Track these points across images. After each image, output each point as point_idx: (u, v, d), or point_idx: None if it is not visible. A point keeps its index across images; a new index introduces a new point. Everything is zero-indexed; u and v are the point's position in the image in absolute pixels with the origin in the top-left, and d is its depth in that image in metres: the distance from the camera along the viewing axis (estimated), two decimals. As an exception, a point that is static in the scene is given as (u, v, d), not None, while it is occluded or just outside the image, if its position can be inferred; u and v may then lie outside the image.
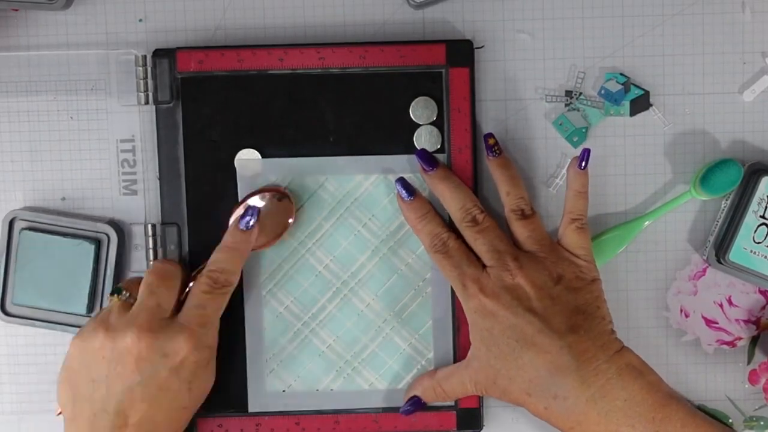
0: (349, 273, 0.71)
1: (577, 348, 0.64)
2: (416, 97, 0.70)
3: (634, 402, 0.63)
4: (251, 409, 0.71)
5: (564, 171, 0.72)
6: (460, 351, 0.71)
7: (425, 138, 0.70)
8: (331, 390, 0.72)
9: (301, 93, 0.70)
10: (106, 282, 0.70)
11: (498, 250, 0.66)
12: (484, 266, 0.67)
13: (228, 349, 0.71)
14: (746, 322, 0.73)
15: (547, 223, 0.72)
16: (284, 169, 0.71)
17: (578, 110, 0.71)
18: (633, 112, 0.71)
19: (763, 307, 0.73)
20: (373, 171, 0.70)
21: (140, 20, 0.71)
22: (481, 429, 0.71)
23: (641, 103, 0.71)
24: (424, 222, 0.68)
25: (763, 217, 0.69)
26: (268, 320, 0.71)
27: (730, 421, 0.73)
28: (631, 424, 0.63)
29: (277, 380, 0.72)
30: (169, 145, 0.71)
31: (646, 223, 0.71)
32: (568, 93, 0.71)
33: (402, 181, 0.68)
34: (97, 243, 0.70)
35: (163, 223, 0.71)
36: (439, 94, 0.70)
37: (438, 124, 0.70)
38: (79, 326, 0.70)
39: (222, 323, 0.69)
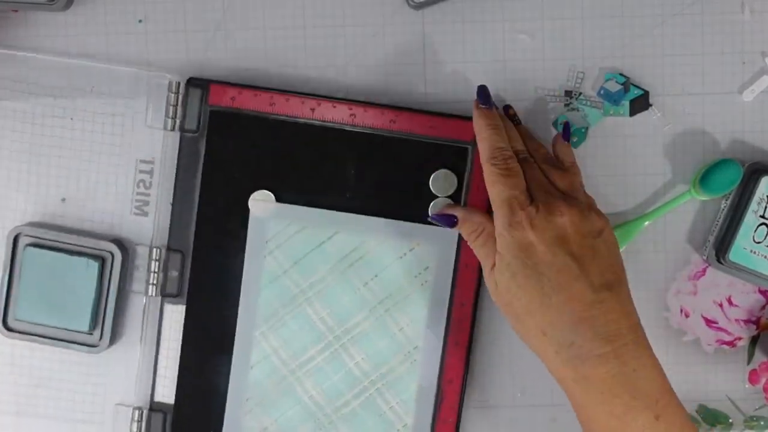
0: (343, 328, 0.71)
1: (606, 306, 0.62)
2: (438, 169, 0.70)
3: (643, 375, 0.62)
4: None
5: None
6: (439, 424, 0.71)
7: (439, 209, 0.70)
8: None
9: (326, 145, 0.70)
10: (109, 299, 0.70)
11: (550, 189, 0.65)
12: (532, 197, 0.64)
13: (211, 380, 0.71)
14: (746, 322, 0.73)
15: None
16: (296, 216, 0.70)
17: (578, 110, 0.71)
18: (633, 112, 0.71)
19: (763, 307, 0.73)
20: (384, 233, 0.70)
21: (140, 21, 0.71)
22: None
23: (641, 103, 0.71)
24: (492, 132, 0.66)
25: (763, 216, 0.69)
26: (256, 360, 0.71)
27: (731, 421, 0.73)
28: (633, 395, 0.61)
29: (255, 421, 0.72)
30: (188, 173, 0.71)
31: (646, 223, 0.71)
32: (568, 93, 0.71)
33: (483, 88, 0.67)
34: (102, 261, 0.70)
35: (168, 249, 0.71)
36: (462, 168, 0.70)
37: (455, 197, 0.70)
38: (81, 343, 0.71)
39: (210, 356, 0.71)
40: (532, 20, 0.71)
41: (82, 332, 0.71)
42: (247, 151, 0.70)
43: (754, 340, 0.73)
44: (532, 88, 0.71)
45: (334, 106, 0.69)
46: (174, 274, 0.71)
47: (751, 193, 0.69)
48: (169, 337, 0.72)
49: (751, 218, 0.69)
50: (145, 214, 0.72)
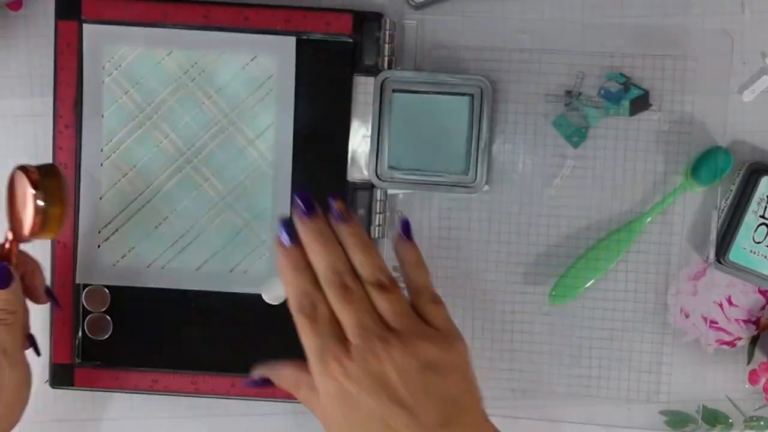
0: (192, 149, 0.71)
1: None
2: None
3: None
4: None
5: (563, 171, 0.72)
6: None
7: None
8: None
9: None
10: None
11: (366, 326, 0.57)
12: (346, 340, 0.58)
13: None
14: (746, 322, 0.73)
15: (548, 221, 0.72)
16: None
17: (578, 110, 0.71)
18: (633, 112, 0.71)
19: (763, 307, 0.73)
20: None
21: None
22: None
23: (641, 103, 0.71)
24: (297, 275, 0.58)
25: (762, 217, 0.69)
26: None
27: (730, 421, 0.73)
28: None
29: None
30: None
31: (647, 221, 0.71)
32: (568, 93, 0.71)
33: (286, 224, 0.59)
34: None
35: None
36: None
37: None
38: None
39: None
40: (533, 20, 0.71)
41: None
42: None
43: (754, 341, 0.73)
44: (532, 88, 0.71)
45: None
46: None
47: (751, 193, 0.69)
48: None
49: (751, 218, 0.69)
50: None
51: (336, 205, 0.59)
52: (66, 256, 0.71)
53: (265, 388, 0.63)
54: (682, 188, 0.71)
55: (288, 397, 0.70)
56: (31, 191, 0.61)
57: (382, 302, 0.58)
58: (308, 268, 0.59)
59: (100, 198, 0.71)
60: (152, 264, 0.71)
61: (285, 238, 0.59)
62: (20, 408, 0.64)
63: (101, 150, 0.70)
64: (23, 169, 0.62)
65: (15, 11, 0.72)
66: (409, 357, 0.56)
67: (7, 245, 0.63)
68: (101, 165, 0.71)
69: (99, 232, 0.71)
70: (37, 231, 0.62)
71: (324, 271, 0.58)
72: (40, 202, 0.61)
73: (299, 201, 0.59)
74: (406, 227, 0.61)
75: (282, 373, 0.61)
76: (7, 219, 0.63)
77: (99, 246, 0.71)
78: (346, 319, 0.57)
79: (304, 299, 0.58)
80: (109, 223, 0.71)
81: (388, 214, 0.71)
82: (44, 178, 0.62)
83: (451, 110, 0.70)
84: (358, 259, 0.59)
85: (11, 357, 0.62)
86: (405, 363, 0.56)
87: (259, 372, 0.63)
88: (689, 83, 0.71)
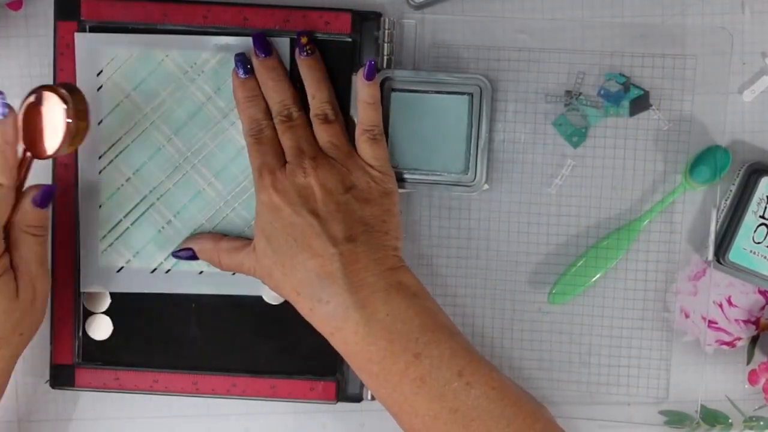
0: (192, 150, 0.71)
1: (348, 257, 0.64)
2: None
3: (397, 318, 0.63)
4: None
5: (563, 171, 0.72)
6: None
7: None
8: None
9: None
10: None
11: (300, 148, 0.66)
12: (285, 161, 0.67)
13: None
14: (746, 322, 0.73)
15: (549, 221, 0.72)
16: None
17: (578, 110, 0.71)
18: (633, 112, 0.71)
19: (763, 308, 0.73)
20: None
21: None
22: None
23: (641, 103, 0.71)
24: (250, 104, 0.67)
25: (762, 217, 0.69)
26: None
27: (730, 421, 0.73)
28: (389, 339, 0.62)
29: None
30: None
31: (647, 221, 0.71)
32: (568, 93, 0.71)
33: (241, 57, 0.68)
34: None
35: None
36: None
37: None
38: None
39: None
40: (532, 20, 0.71)
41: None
42: None
43: (753, 341, 0.73)
44: (532, 88, 0.71)
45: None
46: None
47: (751, 193, 0.69)
48: None
49: (750, 218, 0.69)
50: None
51: (302, 39, 0.68)
52: (66, 257, 0.71)
53: (189, 257, 0.70)
54: (682, 188, 0.71)
55: (288, 397, 0.70)
56: (63, 107, 0.64)
57: (320, 132, 0.67)
58: (260, 98, 0.68)
59: (100, 206, 0.71)
60: (157, 269, 0.71)
61: (240, 71, 0.68)
62: (44, 312, 0.68)
63: (99, 157, 0.70)
64: (49, 87, 0.64)
65: (15, 11, 0.72)
66: (333, 177, 0.65)
67: (24, 164, 0.65)
68: (99, 173, 0.71)
69: (103, 237, 0.71)
70: (65, 145, 0.65)
71: (273, 103, 0.67)
72: (69, 120, 0.64)
73: (256, 42, 0.67)
74: (370, 69, 0.67)
75: (203, 245, 0.70)
76: (23, 140, 0.65)
77: (102, 252, 0.71)
78: (287, 143, 0.67)
79: (254, 124, 0.67)
80: (112, 228, 0.71)
81: None
82: (71, 93, 0.65)
83: (450, 109, 0.70)
84: (311, 92, 0.68)
85: (46, 267, 0.67)
86: (329, 182, 0.65)
87: (186, 244, 0.70)
88: (689, 83, 0.71)
